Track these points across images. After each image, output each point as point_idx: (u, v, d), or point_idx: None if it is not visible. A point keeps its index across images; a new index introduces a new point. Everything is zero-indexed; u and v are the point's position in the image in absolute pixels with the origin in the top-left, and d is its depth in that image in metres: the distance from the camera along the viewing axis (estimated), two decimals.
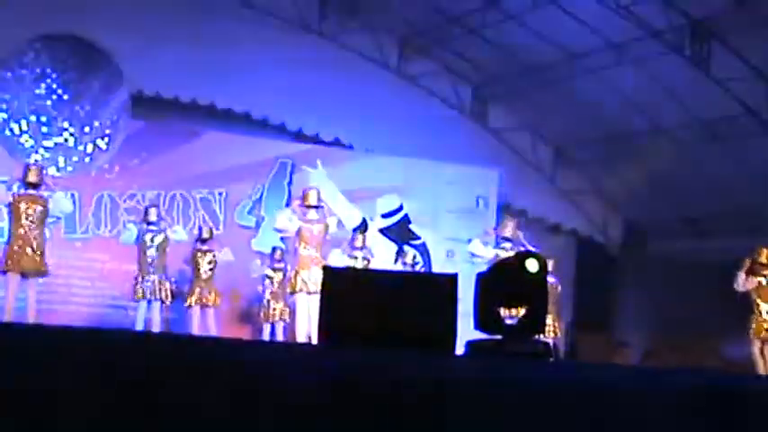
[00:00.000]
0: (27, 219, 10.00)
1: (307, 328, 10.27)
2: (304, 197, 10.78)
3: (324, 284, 4.78)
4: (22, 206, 10.02)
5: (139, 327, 10.82)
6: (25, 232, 9.93)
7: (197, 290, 11.49)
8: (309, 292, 10.17)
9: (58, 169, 11.32)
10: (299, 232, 10.57)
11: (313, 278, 10.05)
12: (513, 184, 15.52)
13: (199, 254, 11.66)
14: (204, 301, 11.49)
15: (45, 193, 10.22)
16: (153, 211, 11.38)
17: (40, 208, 10.08)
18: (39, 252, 9.97)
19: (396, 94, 15.01)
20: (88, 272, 12.93)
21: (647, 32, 12.67)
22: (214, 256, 11.68)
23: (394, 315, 4.39)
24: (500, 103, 15.86)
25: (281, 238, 12.11)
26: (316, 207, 10.74)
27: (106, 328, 9.80)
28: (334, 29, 14.80)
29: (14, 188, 10.24)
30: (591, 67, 13.74)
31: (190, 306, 11.50)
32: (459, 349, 4.62)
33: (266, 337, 12.06)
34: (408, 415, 3.42)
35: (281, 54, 13.96)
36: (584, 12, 12.73)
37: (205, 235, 11.86)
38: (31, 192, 10.12)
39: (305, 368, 3.48)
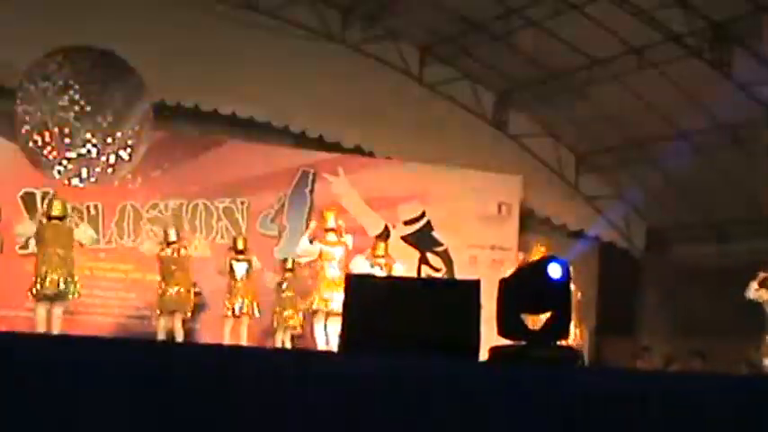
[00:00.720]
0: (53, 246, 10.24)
1: (324, 347, 10.43)
2: (322, 219, 11.04)
3: (346, 292, 4.78)
4: (48, 235, 10.27)
5: (161, 337, 10.90)
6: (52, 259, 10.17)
7: (233, 299, 11.55)
8: (329, 314, 10.31)
9: (81, 180, 11.38)
10: (320, 253, 10.77)
11: (335, 299, 10.19)
12: (536, 190, 15.48)
13: (234, 263, 11.72)
14: (240, 311, 11.56)
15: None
16: (172, 231, 11.52)
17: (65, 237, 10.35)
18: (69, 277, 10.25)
19: (418, 101, 15.00)
20: (112, 282, 12.98)
21: (668, 37, 12.63)
22: (250, 264, 11.76)
23: (417, 322, 4.38)
24: (522, 109, 15.82)
25: None
26: (333, 230, 11.07)
27: (130, 337, 9.85)
28: (356, 37, 14.83)
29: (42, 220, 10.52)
30: (612, 72, 13.70)
31: (225, 315, 11.58)
32: (483, 356, 4.61)
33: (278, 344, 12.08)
34: (432, 420, 3.42)
35: (303, 63, 13.99)
36: (605, 17, 12.70)
37: (240, 246, 11.93)
38: (57, 222, 10.40)
39: (328, 376, 3.48)
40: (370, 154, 14.82)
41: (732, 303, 12.39)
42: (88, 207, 12.88)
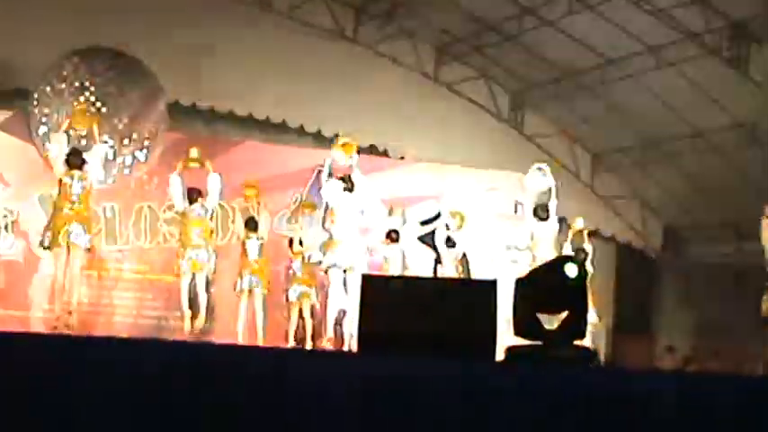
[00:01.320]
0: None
1: (340, 304, 10.36)
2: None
3: (362, 292, 4.78)
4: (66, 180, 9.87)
5: (184, 298, 10.75)
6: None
7: (245, 275, 11.31)
8: (342, 268, 10.23)
9: (98, 181, 11.43)
10: (327, 209, 10.62)
11: (346, 253, 10.11)
12: None
13: (247, 241, 11.46)
14: (253, 285, 11.32)
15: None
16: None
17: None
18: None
19: (432, 101, 15.00)
20: (128, 283, 13.01)
21: (685, 35, 12.59)
22: (262, 240, 11.53)
23: (433, 322, 4.38)
24: (537, 109, 15.80)
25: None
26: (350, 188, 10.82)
27: (146, 338, 9.87)
28: (371, 37, 14.83)
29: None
30: (628, 71, 13.66)
31: (240, 291, 11.30)
32: (499, 355, 4.60)
33: (294, 317, 11.87)
34: (449, 421, 3.42)
35: (317, 62, 14.01)
36: (621, 16, 12.67)
37: (252, 223, 11.63)
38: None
39: (346, 376, 3.48)
40: (385, 153, 14.82)
41: (749, 303, 12.33)
42: (105, 208, 12.92)
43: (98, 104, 11.02)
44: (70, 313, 9.68)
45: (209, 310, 11.55)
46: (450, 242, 13.29)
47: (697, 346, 14.68)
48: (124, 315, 12.92)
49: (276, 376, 3.42)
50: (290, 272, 11.97)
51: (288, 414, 3.36)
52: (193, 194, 10.89)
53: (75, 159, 9.73)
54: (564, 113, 15.58)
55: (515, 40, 14.17)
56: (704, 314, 14.69)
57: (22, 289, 12.36)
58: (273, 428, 3.31)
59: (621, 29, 12.90)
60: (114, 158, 11.24)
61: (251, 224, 11.40)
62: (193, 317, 10.79)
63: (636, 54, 13.34)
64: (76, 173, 9.73)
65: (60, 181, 9.74)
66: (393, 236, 12.29)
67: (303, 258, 11.64)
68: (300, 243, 12.00)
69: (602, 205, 16.21)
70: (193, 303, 10.85)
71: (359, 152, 14.36)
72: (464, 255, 13.94)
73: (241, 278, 11.25)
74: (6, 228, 12.59)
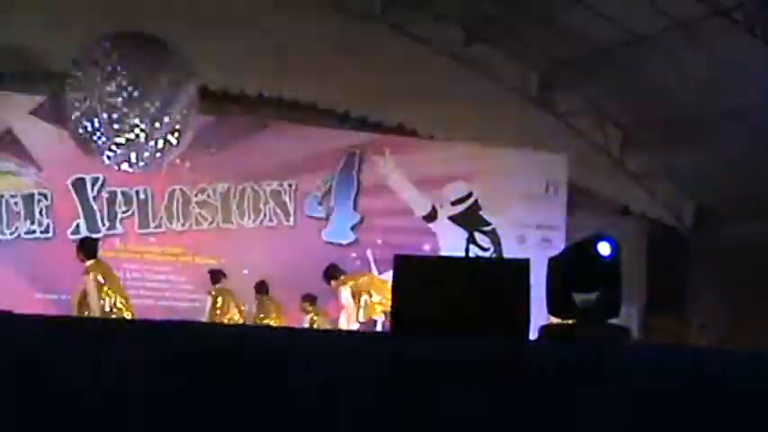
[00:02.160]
0: None
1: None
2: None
3: (395, 272, 4.79)
4: None
5: None
6: None
7: None
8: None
9: (131, 165, 11.50)
10: None
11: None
12: (582, 168, 15.39)
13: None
14: None
15: None
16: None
17: None
18: None
19: (461, 80, 14.96)
20: (162, 265, 13.12)
21: (717, 11, 12.47)
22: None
23: (466, 302, 4.39)
24: (566, 87, 15.72)
25: None
26: None
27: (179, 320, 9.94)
28: (398, 17, 14.80)
29: None
30: (659, 48, 13.55)
31: None
32: (533, 335, 4.61)
33: None
34: (483, 401, 3.44)
35: (345, 44, 14.00)
36: None
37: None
38: None
39: (378, 355, 3.50)
40: (413, 133, 14.82)
41: None
42: (137, 192, 13.02)
43: (129, 89, 11.08)
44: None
45: None
46: (481, 221, 13.31)
47: (730, 323, 14.60)
48: (157, 298, 13.03)
49: (306, 356, 3.45)
50: None
51: (319, 394, 3.38)
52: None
53: None
54: (594, 91, 15.50)
55: (544, 18, 14.08)
56: (737, 291, 14.60)
57: (57, 272, 12.49)
58: (306, 408, 3.33)
59: (651, 5, 12.79)
60: (146, 142, 11.31)
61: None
62: None
63: (666, 30, 13.23)
64: None
65: None
66: None
67: None
68: None
69: (634, 183, 16.14)
70: None
71: (386, 132, 14.46)
72: (496, 234, 13.96)
73: None
74: (41, 212, 12.72)
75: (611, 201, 16.00)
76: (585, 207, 15.44)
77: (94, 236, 12.27)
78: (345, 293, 11.09)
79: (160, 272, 13.02)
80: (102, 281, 10.03)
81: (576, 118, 15.81)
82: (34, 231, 12.70)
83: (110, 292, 10.04)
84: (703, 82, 13.87)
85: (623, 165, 16.11)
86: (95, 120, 11.06)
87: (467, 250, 14.21)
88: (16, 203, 12.67)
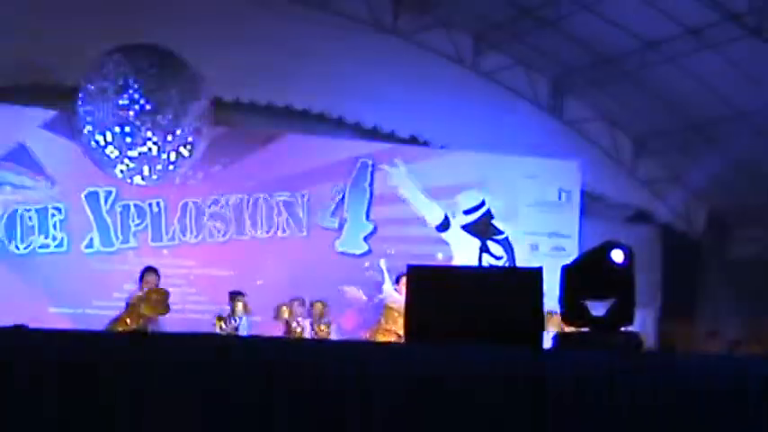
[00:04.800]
0: None
1: None
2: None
3: (409, 282, 4.80)
4: None
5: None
6: None
7: None
8: None
9: (143, 178, 11.54)
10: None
11: None
12: (594, 175, 15.38)
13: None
14: None
15: None
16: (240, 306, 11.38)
17: None
18: None
19: (471, 89, 14.97)
20: (175, 278, 13.13)
21: (726, 16, 12.46)
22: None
23: (479, 310, 4.39)
24: (577, 94, 15.72)
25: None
26: None
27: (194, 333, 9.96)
28: (408, 26, 14.83)
29: None
30: (668, 54, 13.54)
31: None
32: (547, 343, 4.60)
33: None
34: (497, 409, 3.44)
35: (355, 54, 14.03)
36: None
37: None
38: None
39: (393, 365, 3.51)
40: (426, 143, 14.83)
41: None
42: (150, 204, 13.05)
43: (141, 101, 11.12)
44: None
45: None
46: (494, 230, 13.31)
47: (744, 329, 14.56)
48: (172, 310, 13.05)
49: (324, 367, 3.46)
50: None
51: (337, 405, 3.40)
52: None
53: None
54: (604, 98, 15.49)
55: (553, 26, 14.09)
56: (751, 297, 14.55)
57: (72, 286, 12.53)
58: (326, 417, 3.35)
59: (661, 11, 12.80)
60: (159, 155, 11.34)
61: None
62: None
63: (676, 37, 13.23)
64: None
65: None
66: None
67: None
68: None
69: (646, 190, 16.12)
70: None
71: (399, 142, 14.48)
72: (508, 242, 13.95)
73: None
74: (54, 226, 12.76)
75: (624, 207, 15.97)
76: (598, 214, 15.41)
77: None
78: None
79: (174, 284, 13.02)
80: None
81: (587, 125, 15.81)
82: (48, 245, 12.73)
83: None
84: (715, 88, 13.86)
85: (635, 171, 16.09)
86: (107, 133, 11.10)
87: (480, 259, 14.20)
88: (30, 218, 12.71)
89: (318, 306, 11.81)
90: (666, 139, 15.50)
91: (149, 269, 10.92)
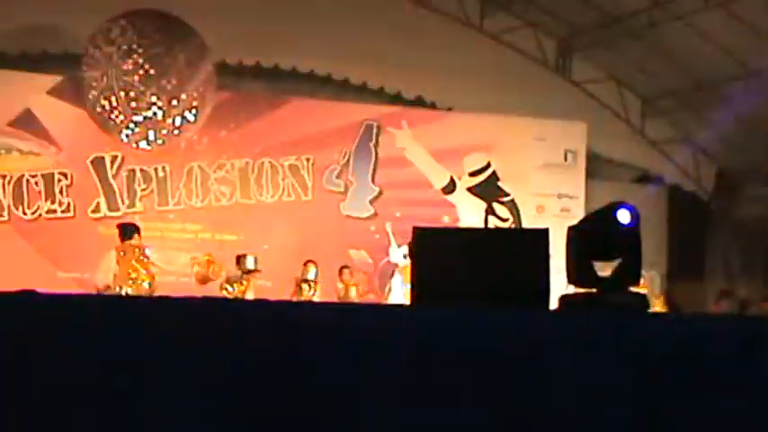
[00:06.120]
0: None
1: None
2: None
3: (414, 244, 4.79)
4: None
5: None
6: None
7: None
8: None
9: (149, 143, 11.54)
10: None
11: None
12: (601, 136, 15.32)
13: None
14: None
15: None
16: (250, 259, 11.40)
17: None
18: None
19: (478, 50, 14.88)
20: (182, 242, 13.16)
21: None
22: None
23: (485, 272, 4.38)
24: (584, 55, 15.62)
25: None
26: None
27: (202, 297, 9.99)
28: None
29: None
30: (676, 13, 13.43)
31: None
32: (553, 305, 4.60)
33: None
34: (504, 371, 3.44)
35: (360, 16, 13.93)
36: None
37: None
38: None
39: (398, 326, 3.51)
40: (432, 105, 14.77)
41: None
42: (156, 169, 13.05)
43: (146, 66, 11.09)
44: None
45: None
46: (500, 192, 13.29)
47: (753, 289, 14.54)
48: (178, 275, 13.08)
49: (334, 329, 3.45)
50: None
51: (344, 366, 3.39)
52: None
53: None
54: (612, 59, 15.39)
55: None
56: (760, 257, 14.53)
57: (78, 251, 12.57)
58: (331, 379, 3.34)
59: None
60: (164, 119, 11.33)
61: None
62: None
63: None
64: None
65: None
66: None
67: None
68: None
69: (653, 151, 16.06)
70: None
71: (404, 105, 14.40)
72: (515, 204, 13.92)
73: None
74: (61, 191, 12.78)
75: (631, 168, 15.92)
76: (604, 175, 15.38)
77: (115, 215, 12.44)
78: None
79: (180, 249, 13.05)
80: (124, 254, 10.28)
81: (593, 86, 15.72)
82: (55, 211, 12.77)
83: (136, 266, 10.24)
84: (723, 46, 13.75)
85: (643, 132, 16.03)
86: (113, 98, 11.10)
87: (486, 221, 14.19)
88: (36, 183, 12.74)
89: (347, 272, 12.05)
90: (675, 99, 15.42)
91: (136, 227, 10.92)
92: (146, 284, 10.36)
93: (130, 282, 10.27)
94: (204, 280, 10.96)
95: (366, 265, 13.32)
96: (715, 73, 14.25)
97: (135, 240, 10.54)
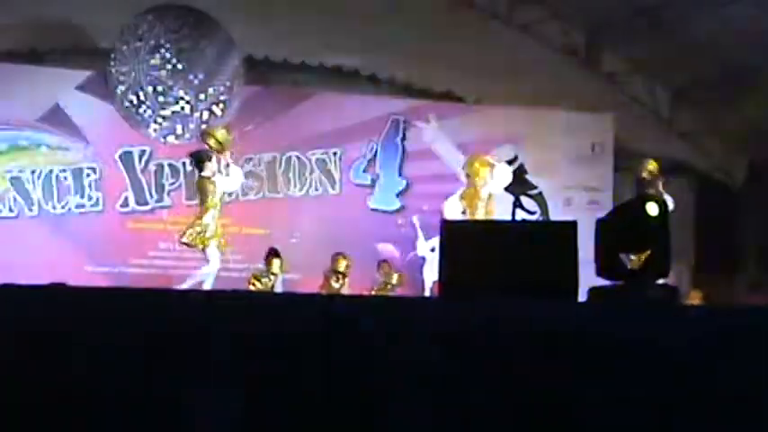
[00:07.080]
0: None
1: None
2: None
3: (442, 237, 4.78)
4: None
5: None
6: None
7: None
8: None
9: (177, 137, 11.59)
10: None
11: None
12: (629, 128, 15.21)
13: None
14: None
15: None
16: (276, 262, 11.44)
17: None
18: None
19: (506, 43, 14.81)
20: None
21: None
22: None
23: (513, 266, 4.37)
24: (613, 46, 15.52)
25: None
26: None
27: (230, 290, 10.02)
28: None
29: None
30: (706, 3, 13.34)
31: None
32: (582, 297, 4.58)
33: None
34: (532, 365, 3.42)
35: (387, 9, 13.91)
36: None
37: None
38: None
39: (425, 321, 3.50)
40: (460, 99, 14.73)
41: None
42: (184, 163, 13.10)
43: (173, 61, 11.13)
44: None
45: None
46: (528, 185, 13.23)
47: None
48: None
49: (361, 322, 3.46)
50: None
51: (372, 360, 3.39)
52: None
53: None
54: (641, 50, 15.29)
55: None
56: None
57: (108, 245, 12.65)
58: (358, 373, 3.35)
59: None
60: (192, 114, 11.37)
61: None
62: None
63: None
64: None
65: None
66: None
67: None
68: None
69: (683, 142, 15.95)
70: None
71: (433, 98, 14.36)
72: (542, 197, 13.86)
73: None
74: (90, 185, 12.86)
75: (660, 160, 15.82)
76: (633, 167, 15.28)
77: (142, 208, 12.54)
78: None
79: None
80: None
81: (623, 78, 15.63)
82: (84, 205, 12.85)
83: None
84: (751, 36, 13.63)
85: (671, 123, 15.92)
86: (140, 93, 11.15)
87: (513, 214, 14.15)
88: (65, 178, 12.82)
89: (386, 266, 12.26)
90: (705, 90, 15.29)
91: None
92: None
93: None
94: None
95: (393, 258, 13.31)
96: (743, 63, 14.14)
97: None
